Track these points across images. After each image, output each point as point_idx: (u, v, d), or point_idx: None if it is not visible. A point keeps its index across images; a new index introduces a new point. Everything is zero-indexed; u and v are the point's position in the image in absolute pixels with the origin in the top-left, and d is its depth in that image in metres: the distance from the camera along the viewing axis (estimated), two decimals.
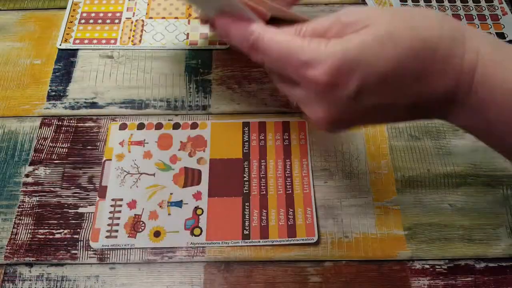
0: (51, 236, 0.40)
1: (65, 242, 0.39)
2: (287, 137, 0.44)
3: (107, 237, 0.39)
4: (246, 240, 0.39)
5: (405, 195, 0.42)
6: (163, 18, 0.54)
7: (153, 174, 0.42)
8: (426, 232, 0.40)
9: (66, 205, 0.41)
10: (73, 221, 0.40)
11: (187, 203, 0.41)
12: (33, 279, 0.38)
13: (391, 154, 0.44)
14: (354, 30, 0.26)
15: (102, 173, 0.42)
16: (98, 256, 0.39)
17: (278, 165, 0.43)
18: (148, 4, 0.55)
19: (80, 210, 0.41)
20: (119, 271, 0.38)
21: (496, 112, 0.26)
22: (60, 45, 0.52)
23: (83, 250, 0.39)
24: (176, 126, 0.45)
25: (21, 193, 0.42)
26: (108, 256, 0.39)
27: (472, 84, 0.26)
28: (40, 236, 0.40)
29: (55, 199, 0.41)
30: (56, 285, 0.38)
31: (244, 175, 0.42)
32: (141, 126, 0.45)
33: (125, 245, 0.39)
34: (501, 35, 0.52)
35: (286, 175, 0.42)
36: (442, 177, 0.43)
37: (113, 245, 0.39)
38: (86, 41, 0.52)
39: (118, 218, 0.40)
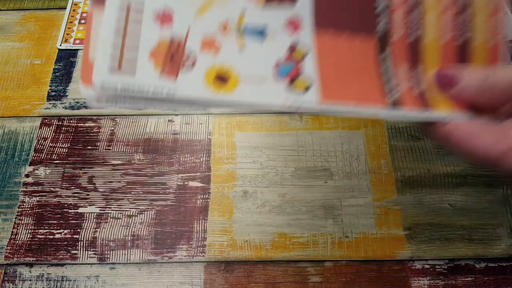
0: (51, 236, 0.40)
1: (65, 242, 0.39)
2: None
3: (112, 71, 0.21)
4: (396, 108, 0.23)
5: (405, 195, 0.42)
6: None
7: None
8: (426, 232, 0.40)
9: (66, 205, 0.41)
10: (73, 221, 0.40)
11: (274, 34, 0.24)
12: (33, 279, 0.38)
13: (391, 154, 0.44)
14: None
15: None
16: (98, 256, 0.39)
17: None
18: None
19: (80, 210, 0.41)
20: (119, 271, 0.38)
21: None
22: (60, 45, 0.52)
23: (83, 250, 0.39)
24: None
25: (21, 193, 0.42)
26: (108, 256, 0.39)
27: None
28: (40, 236, 0.40)
29: (55, 199, 0.42)
30: (56, 285, 0.38)
31: (377, 1, 0.24)
32: None
33: (155, 87, 0.21)
34: None
35: (459, 9, 0.25)
36: (442, 177, 0.43)
37: (127, 85, 0.21)
38: None
39: (137, 37, 0.22)
